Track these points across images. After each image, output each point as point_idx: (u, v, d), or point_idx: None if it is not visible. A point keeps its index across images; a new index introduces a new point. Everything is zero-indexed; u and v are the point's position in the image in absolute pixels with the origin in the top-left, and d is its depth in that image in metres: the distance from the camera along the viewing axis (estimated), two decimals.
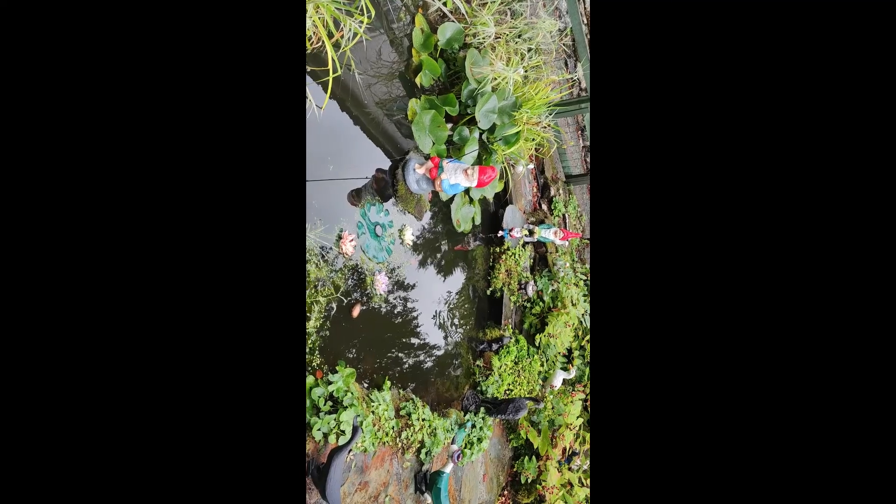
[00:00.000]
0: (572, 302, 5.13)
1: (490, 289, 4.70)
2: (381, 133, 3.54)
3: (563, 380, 4.77)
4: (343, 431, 2.41)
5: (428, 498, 3.03)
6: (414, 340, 3.74)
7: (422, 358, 3.79)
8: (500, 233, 4.80)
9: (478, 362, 4.31)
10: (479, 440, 3.80)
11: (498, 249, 4.79)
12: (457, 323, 4.35)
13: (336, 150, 3.06)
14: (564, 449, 4.60)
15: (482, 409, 3.96)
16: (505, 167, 4.96)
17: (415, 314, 3.76)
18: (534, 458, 4.42)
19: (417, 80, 3.74)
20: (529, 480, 4.37)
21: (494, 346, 4.44)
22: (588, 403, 4.88)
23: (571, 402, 4.52)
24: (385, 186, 3.40)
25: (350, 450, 2.36)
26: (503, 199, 5.07)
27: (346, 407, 2.48)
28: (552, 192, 5.95)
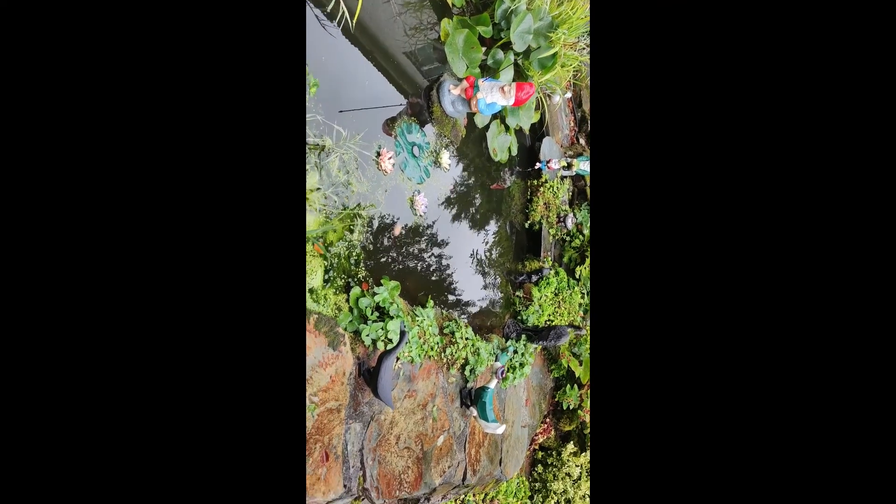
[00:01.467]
0: None
1: (528, 222, 4.64)
2: (405, 76, 3.44)
3: None
4: (390, 340, 2.48)
5: (473, 411, 3.12)
6: (453, 273, 3.77)
7: (461, 288, 3.82)
8: (538, 165, 4.70)
9: (517, 293, 4.31)
10: (521, 365, 3.85)
11: (535, 182, 4.70)
12: (495, 258, 4.34)
13: (368, 82, 3.01)
14: None
15: (523, 336, 3.99)
16: (541, 97, 4.80)
17: (453, 251, 3.77)
18: (575, 386, 4.46)
19: (449, 0, 3.61)
20: (571, 407, 4.43)
21: (534, 278, 4.42)
22: None
23: None
24: (420, 111, 3.35)
25: (398, 355, 2.43)
26: (539, 132, 4.93)
27: (393, 317, 2.54)
28: (590, 126, 5.74)
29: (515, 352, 3.87)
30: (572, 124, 5.64)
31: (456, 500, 3.51)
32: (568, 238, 4.89)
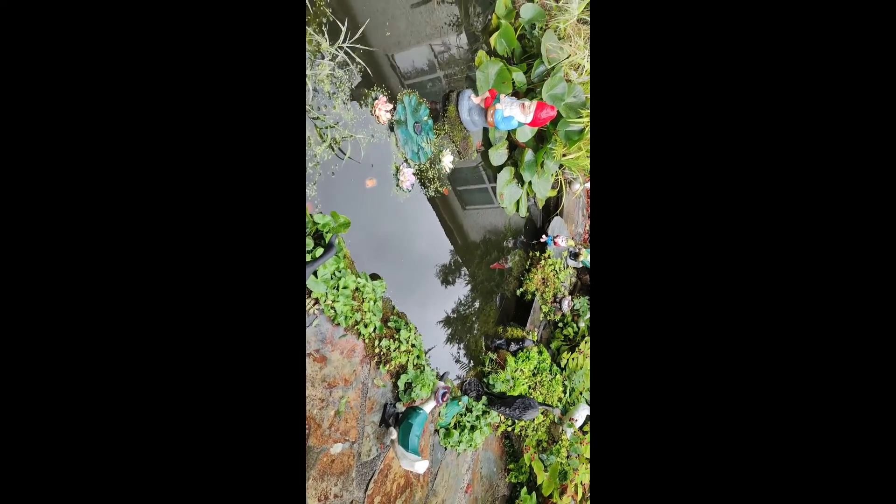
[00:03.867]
0: None
1: (521, 290, 4.19)
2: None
3: (587, 417, 3.95)
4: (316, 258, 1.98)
5: (393, 433, 2.35)
6: (421, 290, 3.28)
7: (426, 316, 3.28)
8: (544, 237, 4.41)
9: (490, 354, 3.68)
10: (473, 429, 3.07)
11: (538, 254, 4.37)
12: (475, 318, 3.82)
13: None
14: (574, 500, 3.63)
15: (484, 398, 3.27)
16: (561, 180, 4.73)
17: (428, 268, 3.35)
18: (534, 494, 3.49)
19: (492, 42, 3.77)
20: None
21: (513, 347, 3.81)
22: None
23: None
24: (436, 116, 3.25)
25: (318, 268, 1.90)
26: (553, 214, 4.76)
27: (328, 246, 2.07)
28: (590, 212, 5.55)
29: (469, 410, 3.12)
30: (587, 226, 5.47)
31: None
32: (561, 324, 4.35)
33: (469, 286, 3.72)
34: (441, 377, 2.62)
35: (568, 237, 4.50)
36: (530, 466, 3.57)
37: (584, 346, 4.19)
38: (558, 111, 4.10)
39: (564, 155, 4.40)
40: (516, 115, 3.12)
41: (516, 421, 3.53)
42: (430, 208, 3.20)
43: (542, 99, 3.87)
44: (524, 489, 3.47)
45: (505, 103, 3.15)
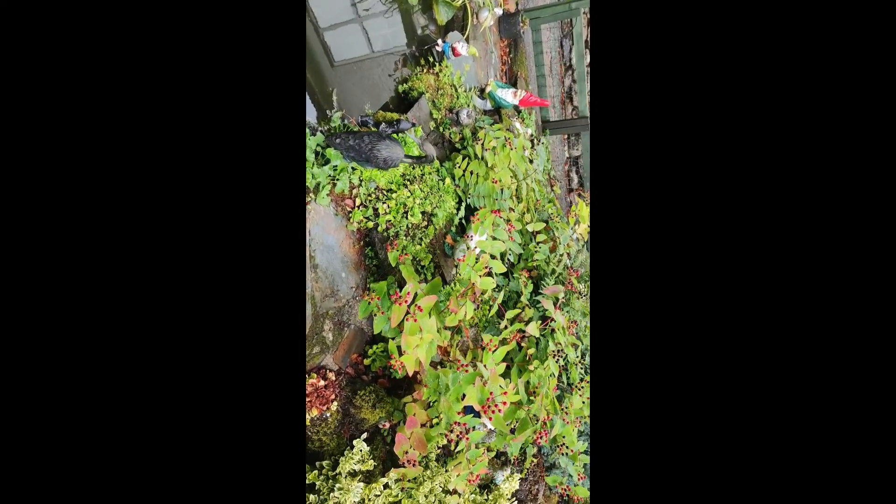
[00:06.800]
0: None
1: (404, 87, 3.14)
2: None
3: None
4: None
5: None
6: None
7: None
8: (440, 45, 3.44)
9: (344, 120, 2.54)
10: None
11: (432, 59, 3.37)
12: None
13: None
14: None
15: (319, 134, 2.11)
16: (467, 5, 3.84)
17: None
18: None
19: None
20: (376, 351, 2.19)
21: (386, 130, 2.70)
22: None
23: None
24: None
25: None
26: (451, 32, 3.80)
27: None
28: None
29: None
30: (503, 71, 4.55)
31: None
32: (459, 146, 3.30)
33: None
34: None
35: (469, 46, 3.55)
36: (396, 269, 2.39)
37: (484, 145, 3.10)
38: None
39: None
40: None
41: (369, 167, 2.30)
42: None
43: None
44: (383, 283, 2.25)
45: None
